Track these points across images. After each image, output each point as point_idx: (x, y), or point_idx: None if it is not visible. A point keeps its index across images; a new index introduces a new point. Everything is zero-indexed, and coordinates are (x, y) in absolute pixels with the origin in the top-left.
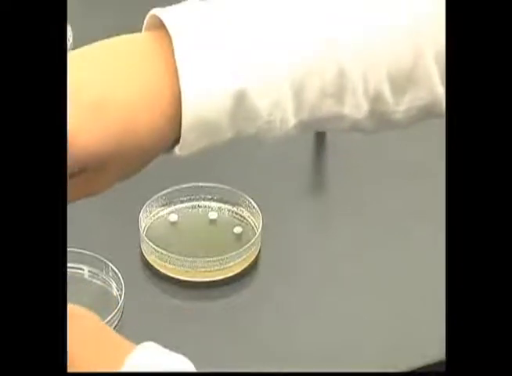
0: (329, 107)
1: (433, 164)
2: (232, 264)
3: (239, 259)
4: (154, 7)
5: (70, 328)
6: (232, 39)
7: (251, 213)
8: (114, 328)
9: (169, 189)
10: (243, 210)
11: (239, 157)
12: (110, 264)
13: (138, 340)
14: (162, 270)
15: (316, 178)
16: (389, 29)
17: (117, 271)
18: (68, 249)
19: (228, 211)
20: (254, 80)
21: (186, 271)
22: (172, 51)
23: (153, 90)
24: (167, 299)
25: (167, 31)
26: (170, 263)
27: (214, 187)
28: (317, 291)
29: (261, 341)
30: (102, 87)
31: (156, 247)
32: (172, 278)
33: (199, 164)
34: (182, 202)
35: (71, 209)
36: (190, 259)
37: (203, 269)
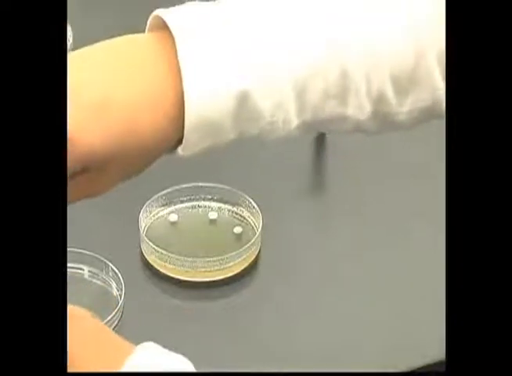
0: (332, 108)
1: (433, 164)
2: (232, 264)
3: (239, 259)
4: (154, 7)
5: (70, 329)
6: (235, 40)
7: (251, 213)
8: (114, 328)
9: (169, 189)
10: (243, 210)
11: (239, 157)
12: (110, 264)
13: (138, 340)
14: (162, 270)
15: (316, 178)
16: (389, 29)
17: (117, 271)
18: (68, 249)
19: (228, 211)
20: (256, 81)
21: (186, 271)
22: (175, 52)
23: (156, 90)
24: (167, 299)
25: (170, 32)
26: (170, 263)
27: (214, 187)
28: (317, 291)
29: (261, 341)
30: (103, 87)
31: (156, 247)
32: (172, 278)
33: (199, 164)
34: (182, 202)
35: (71, 209)
36: (190, 259)
37: (203, 269)
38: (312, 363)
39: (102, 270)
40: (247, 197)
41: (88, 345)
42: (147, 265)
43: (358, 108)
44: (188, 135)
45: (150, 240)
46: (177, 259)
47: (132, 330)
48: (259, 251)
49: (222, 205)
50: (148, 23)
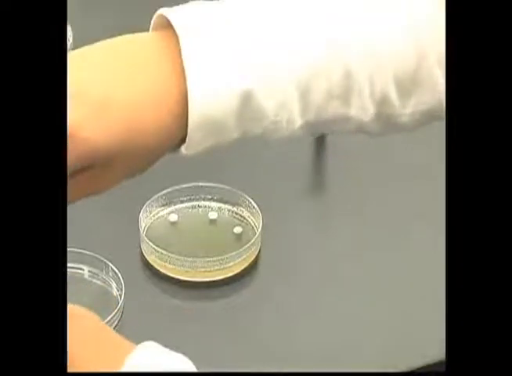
0: (335, 109)
1: (433, 165)
2: (232, 264)
3: (239, 259)
4: (155, 7)
5: (70, 328)
6: (239, 40)
7: (251, 213)
8: (114, 328)
9: (169, 189)
10: (243, 210)
11: (239, 158)
12: (110, 264)
13: (138, 340)
14: (162, 270)
15: (316, 178)
16: (389, 29)
17: (117, 271)
18: (68, 249)
19: (228, 211)
20: (260, 80)
21: (186, 271)
22: (179, 50)
23: (160, 89)
24: (167, 299)
25: (174, 31)
26: (170, 263)
27: (214, 187)
28: (317, 291)
29: (261, 341)
30: (103, 86)
31: (156, 247)
32: (172, 278)
33: (199, 164)
34: (182, 202)
35: (71, 209)
36: (190, 259)
37: (203, 269)
38: (312, 363)
39: (102, 270)
40: (247, 197)
41: (88, 343)
42: (147, 265)
43: (362, 109)
44: (191, 134)
45: (150, 240)
46: (177, 259)
47: (132, 331)
48: (259, 251)
49: (222, 205)
50: (152, 22)
